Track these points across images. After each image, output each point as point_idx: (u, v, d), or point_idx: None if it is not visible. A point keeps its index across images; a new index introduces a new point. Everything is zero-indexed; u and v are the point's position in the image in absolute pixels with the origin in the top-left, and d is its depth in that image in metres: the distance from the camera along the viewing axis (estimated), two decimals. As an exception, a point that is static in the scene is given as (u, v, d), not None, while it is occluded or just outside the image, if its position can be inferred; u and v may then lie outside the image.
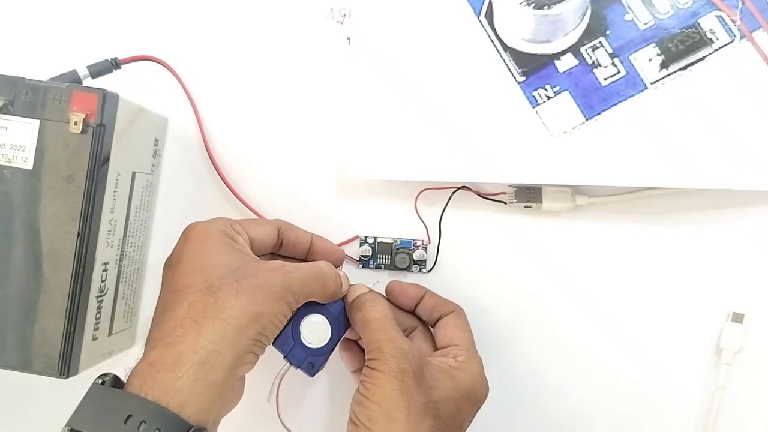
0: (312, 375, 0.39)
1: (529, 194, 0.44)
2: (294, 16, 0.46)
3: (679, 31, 0.41)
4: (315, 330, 0.39)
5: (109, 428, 0.29)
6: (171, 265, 0.36)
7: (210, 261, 0.35)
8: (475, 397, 0.38)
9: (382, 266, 0.46)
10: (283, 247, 0.41)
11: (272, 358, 0.38)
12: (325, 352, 0.39)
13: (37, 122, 0.37)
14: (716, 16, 0.40)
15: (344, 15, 0.46)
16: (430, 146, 0.43)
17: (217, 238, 0.36)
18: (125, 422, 0.29)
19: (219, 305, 0.32)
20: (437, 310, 0.42)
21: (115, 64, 0.42)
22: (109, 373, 0.32)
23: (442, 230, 0.46)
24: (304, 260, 0.42)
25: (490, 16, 0.42)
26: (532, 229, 0.45)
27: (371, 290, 0.41)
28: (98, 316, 0.41)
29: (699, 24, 0.41)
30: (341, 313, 0.40)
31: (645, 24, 0.41)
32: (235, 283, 0.33)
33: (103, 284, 0.41)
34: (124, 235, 0.43)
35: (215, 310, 0.32)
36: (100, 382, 0.31)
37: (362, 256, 0.46)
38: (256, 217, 0.46)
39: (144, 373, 0.31)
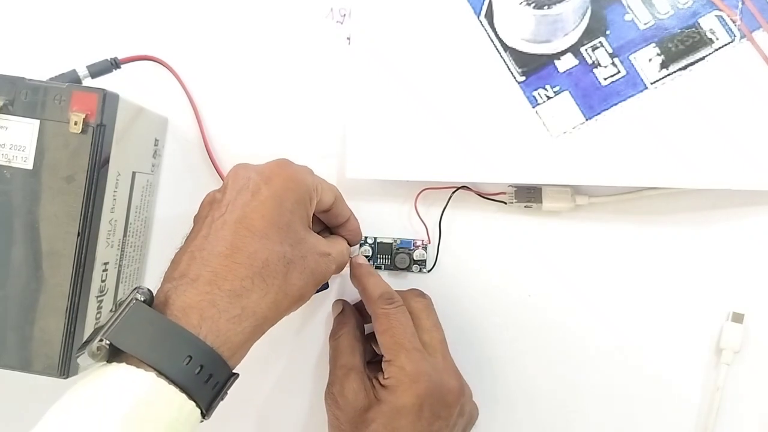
0: None
1: (529, 194, 0.44)
2: (294, 16, 0.46)
3: (679, 31, 0.41)
4: None
5: (170, 365, 0.29)
6: (247, 187, 0.35)
7: (288, 220, 0.35)
8: (406, 410, 0.36)
9: (383, 266, 0.46)
10: (327, 214, 0.41)
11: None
12: None
13: (37, 122, 0.37)
14: (716, 16, 0.40)
15: (344, 15, 0.46)
16: (429, 146, 0.43)
17: (302, 195, 0.36)
18: (185, 363, 0.29)
19: (287, 279, 0.34)
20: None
21: (114, 64, 0.41)
22: (144, 289, 0.31)
23: (442, 230, 0.46)
24: (330, 229, 0.43)
25: (490, 16, 0.42)
26: (532, 229, 0.45)
27: (344, 309, 0.44)
28: (98, 316, 0.41)
29: (699, 24, 0.41)
30: None
31: (645, 24, 0.41)
32: (301, 260, 0.35)
33: (103, 284, 0.41)
34: (124, 235, 0.43)
35: (282, 282, 0.33)
36: (142, 299, 0.31)
37: (362, 256, 0.46)
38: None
39: (205, 312, 0.31)
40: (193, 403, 0.29)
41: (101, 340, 0.29)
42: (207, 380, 0.30)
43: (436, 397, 0.37)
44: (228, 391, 0.32)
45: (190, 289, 0.31)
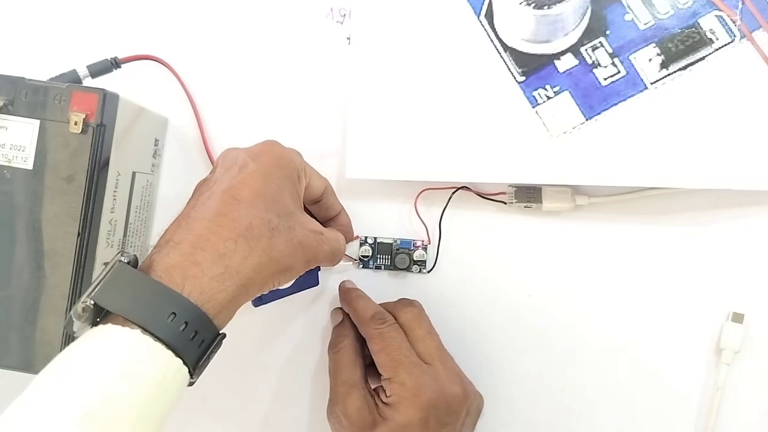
0: (256, 306, 0.40)
1: (529, 194, 0.44)
2: (294, 16, 0.46)
3: (679, 31, 0.41)
4: None
5: (154, 321, 0.29)
6: (236, 163, 0.35)
7: (276, 192, 0.35)
8: (413, 425, 0.37)
9: (382, 266, 0.46)
10: (317, 205, 0.41)
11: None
12: (279, 295, 0.41)
13: (37, 122, 0.37)
14: (716, 16, 0.40)
15: (344, 15, 0.46)
16: (430, 146, 0.43)
17: (290, 171, 0.37)
18: (169, 320, 0.29)
19: (272, 244, 0.33)
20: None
21: (115, 64, 0.41)
22: (128, 252, 0.32)
23: (442, 230, 0.46)
24: (322, 223, 0.43)
25: (490, 16, 0.42)
26: (532, 229, 0.45)
27: (344, 320, 0.43)
28: (98, 316, 0.41)
29: (699, 24, 0.41)
30: (312, 272, 0.42)
31: (645, 24, 0.41)
32: (288, 230, 0.34)
33: (103, 284, 0.41)
34: (124, 235, 0.43)
35: (267, 246, 0.33)
36: (126, 261, 0.31)
37: (362, 256, 0.46)
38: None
39: (188, 271, 0.31)
40: (180, 361, 0.29)
41: (85, 301, 0.29)
42: (192, 337, 0.30)
43: (441, 407, 0.37)
44: (216, 351, 0.32)
45: (174, 251, 0.31)
